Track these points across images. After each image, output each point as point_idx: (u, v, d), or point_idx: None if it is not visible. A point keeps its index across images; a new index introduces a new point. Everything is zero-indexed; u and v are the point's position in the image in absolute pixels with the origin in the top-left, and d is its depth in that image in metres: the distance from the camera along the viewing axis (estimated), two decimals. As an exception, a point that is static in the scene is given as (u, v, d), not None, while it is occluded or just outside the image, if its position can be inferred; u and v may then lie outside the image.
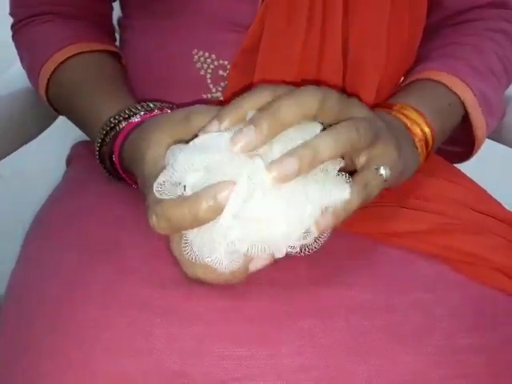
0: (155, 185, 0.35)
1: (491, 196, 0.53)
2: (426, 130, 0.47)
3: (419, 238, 0.44)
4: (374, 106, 0.51)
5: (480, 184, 0.55)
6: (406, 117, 0.47)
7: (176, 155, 0.35)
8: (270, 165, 0.33)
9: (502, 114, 0.57)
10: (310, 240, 0.35)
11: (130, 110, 0.46)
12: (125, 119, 0.46)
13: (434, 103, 0.50)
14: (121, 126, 0.46)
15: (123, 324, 0.36)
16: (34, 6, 0.57)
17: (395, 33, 0.51)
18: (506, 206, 0.51)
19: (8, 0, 0.58)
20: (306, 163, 0.33)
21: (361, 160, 0.39)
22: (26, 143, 0.62)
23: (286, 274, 0.40)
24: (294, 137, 0.35)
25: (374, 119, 0.39)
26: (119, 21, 0.62)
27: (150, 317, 0.36)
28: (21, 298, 0.41)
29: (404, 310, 0.39)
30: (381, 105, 0.50)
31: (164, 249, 0.40)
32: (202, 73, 0.52)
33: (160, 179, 0.35)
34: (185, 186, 0.35)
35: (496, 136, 0.62)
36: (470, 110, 0.51)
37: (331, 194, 0.35)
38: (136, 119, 0.45)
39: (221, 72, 0.52)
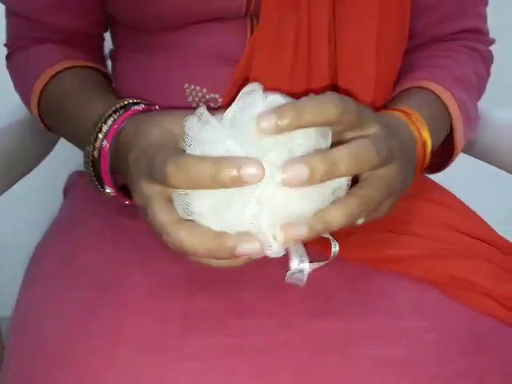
0: (197, 113, 0.36)
1: (481, 218, 0.53)
2: (429, 152, 0.47)
3: (409, 263, 0.45)
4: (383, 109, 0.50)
5: (468, 196, 0.55)
6: (420, 135, 0.46)
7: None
8: (283, 165, 0.33)
9: (475, 125, 0.57)
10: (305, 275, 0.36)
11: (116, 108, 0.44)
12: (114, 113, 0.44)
13: (435, 116, 0.49)
14: (109, 123, 0.44)
15: (125, 365, 0.37)
16: (27, 38, 0.57)
17: (383, 56, 0.52)
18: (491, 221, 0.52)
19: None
20: (318, 176, 0.33)
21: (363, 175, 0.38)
22: (23, 176, 0.63)
23: (281, 306, 0.41)
24: (302, 143, 0.35)
25: (389, 136, 0.38)
26: (110, 52, 0.63)
27: (149, 354, 0.37)
28: (24, 339, 0.43)
29: (396, 337, 0.40)
30: (400, 109, 0.48)
31: (164, 287, 0.41)
32: (194, 105, 0.53)
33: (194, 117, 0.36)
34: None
35: (469, 150, 0.64)
36: (454, 121, 0.51)
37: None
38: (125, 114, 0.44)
39: (212, 105, 0.52)
